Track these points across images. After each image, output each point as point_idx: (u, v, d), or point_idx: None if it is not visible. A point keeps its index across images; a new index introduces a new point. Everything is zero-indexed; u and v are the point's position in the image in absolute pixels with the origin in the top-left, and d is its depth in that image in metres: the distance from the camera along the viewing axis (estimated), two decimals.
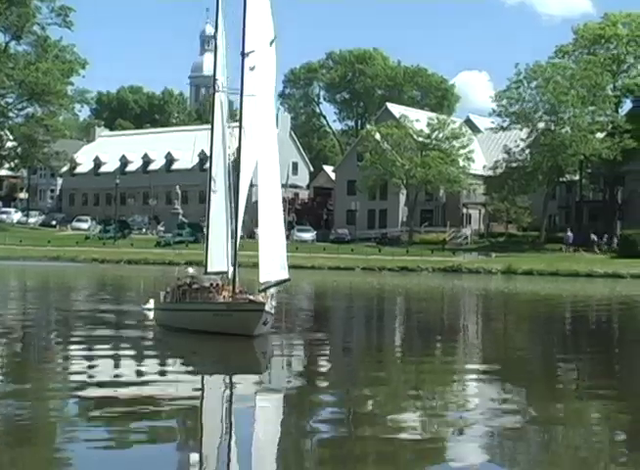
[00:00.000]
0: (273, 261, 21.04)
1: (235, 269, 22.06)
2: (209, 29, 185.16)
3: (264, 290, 21.25)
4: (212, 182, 23.23)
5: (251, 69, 21.30)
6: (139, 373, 16.44)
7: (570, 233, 77.34)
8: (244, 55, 21.56)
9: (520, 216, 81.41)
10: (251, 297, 21.03)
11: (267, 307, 20.61)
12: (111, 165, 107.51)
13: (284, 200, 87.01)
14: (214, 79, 23.84)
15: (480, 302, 40.97)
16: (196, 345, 20.82)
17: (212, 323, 20.92)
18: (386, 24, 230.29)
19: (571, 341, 25.39)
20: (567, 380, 17.26)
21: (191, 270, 24.21)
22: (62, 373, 16.20)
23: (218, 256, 23.20)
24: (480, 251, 76.38)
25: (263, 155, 21.39)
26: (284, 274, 21.53)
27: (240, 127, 21.93)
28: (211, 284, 22.60)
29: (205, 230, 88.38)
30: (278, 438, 11.80)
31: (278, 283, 21.91)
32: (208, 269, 23.60)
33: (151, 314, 25.44)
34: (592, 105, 78.77)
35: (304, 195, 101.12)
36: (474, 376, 16.68)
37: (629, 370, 19.02)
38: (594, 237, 76.29)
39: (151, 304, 26.60)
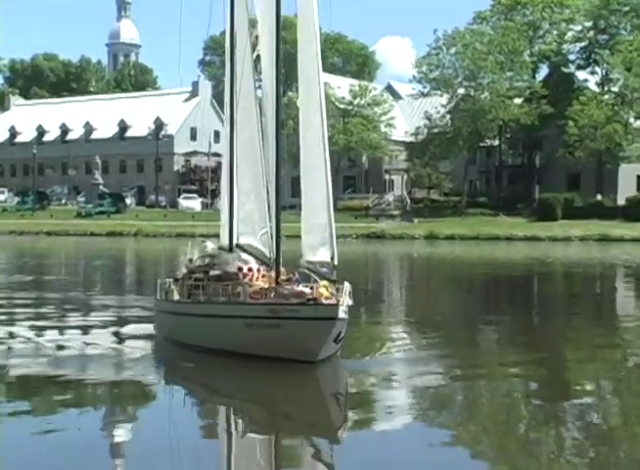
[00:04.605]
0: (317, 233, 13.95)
1: (278, 244, 14.46)
2: None
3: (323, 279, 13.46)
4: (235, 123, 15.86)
5: None
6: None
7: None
8: None
9: (441, 182, 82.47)
10: (320, 290, 13.10)
11: (342, 312, 12.79)
12: (27, 135, 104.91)
13: (206, 169, 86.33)
14: None
15: (409, 266, 41.65)
16: (213, 377, 13.23)
17: (244, 339, 13.30)
18: None
19: (491, 301, 26.07)
20: (488, 339, 17.76)
21: (211, 246, 16.31)
22: None
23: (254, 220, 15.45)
24: (403, 217, 77.25)
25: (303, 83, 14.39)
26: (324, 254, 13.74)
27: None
28: (240, 269, 14.66)
29: (127, 199, 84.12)
30: None
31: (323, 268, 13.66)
32: (234, 242, 15.60)
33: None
34: (510, 71, 79.94)
35: None
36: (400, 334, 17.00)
37: (545, 328, 19.60)
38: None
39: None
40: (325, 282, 13.32)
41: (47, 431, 10.02)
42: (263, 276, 14.54)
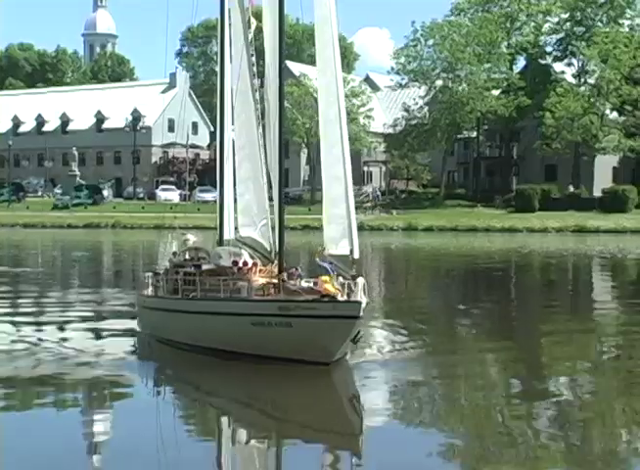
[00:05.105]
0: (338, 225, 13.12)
1: (281, 236, 13.50)
2: None
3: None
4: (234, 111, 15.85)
5: None
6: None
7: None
8: None
9: (419, 173, 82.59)
10: (325, 286, 12.11)
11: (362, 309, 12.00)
12: (2, 126, 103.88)
13: (184, 160, 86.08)
14: None
15: (389, 258, 41.75)
16: (210, 379, 12.33)
17: (249, 339, 12.41)
18: None
19: (470, 292, 26.22)
20: (465, 330, 17.86)
21: (192, 238, 15.77)
22: None
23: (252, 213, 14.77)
24: (382, 208, 77.34)
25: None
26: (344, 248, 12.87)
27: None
28: (235, 262, 13.85)
29: (104, 191, 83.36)
30: None
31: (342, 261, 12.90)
32: (228, 236, 15.13)
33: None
34: (488, 62, 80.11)
35: (205, 155, 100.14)
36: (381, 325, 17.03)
37: (521, 316, 19.75)
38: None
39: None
40: (326, 277, 12.35)
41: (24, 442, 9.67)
42: (261, 271, 13.57)
